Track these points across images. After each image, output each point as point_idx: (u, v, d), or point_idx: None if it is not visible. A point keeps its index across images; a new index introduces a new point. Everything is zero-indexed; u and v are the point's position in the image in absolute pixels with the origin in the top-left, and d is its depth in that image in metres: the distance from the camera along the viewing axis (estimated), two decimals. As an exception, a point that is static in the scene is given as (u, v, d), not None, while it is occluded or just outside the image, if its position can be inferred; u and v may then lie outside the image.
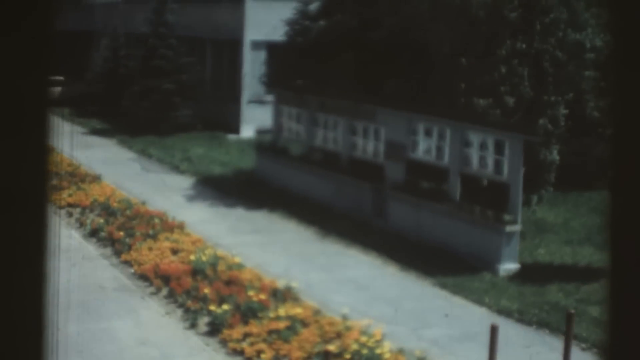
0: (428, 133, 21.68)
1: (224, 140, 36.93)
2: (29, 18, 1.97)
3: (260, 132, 35.10)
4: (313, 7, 27.30)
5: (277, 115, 28.23)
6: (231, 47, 39.75)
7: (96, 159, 33.57)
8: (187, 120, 38.28)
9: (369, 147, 24.00)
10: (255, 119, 37.35)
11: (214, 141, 36.52)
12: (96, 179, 29.42)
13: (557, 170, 21.77)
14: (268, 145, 28.68)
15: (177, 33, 39.19)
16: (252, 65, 38.21)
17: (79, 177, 29.70)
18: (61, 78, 52.49)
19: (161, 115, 37.80)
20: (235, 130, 38.43)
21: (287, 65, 27.42)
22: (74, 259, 19.69)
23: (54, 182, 28.58)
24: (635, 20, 1.97)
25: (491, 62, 21.08)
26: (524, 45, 21.27)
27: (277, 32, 35.13)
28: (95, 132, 40.44)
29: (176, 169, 31.42)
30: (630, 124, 2.05)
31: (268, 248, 21.42)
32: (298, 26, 27.43)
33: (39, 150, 2.05)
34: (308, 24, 26.97)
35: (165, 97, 37.84)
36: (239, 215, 24.93)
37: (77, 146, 36.60)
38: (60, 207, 26.56)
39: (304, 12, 27.40)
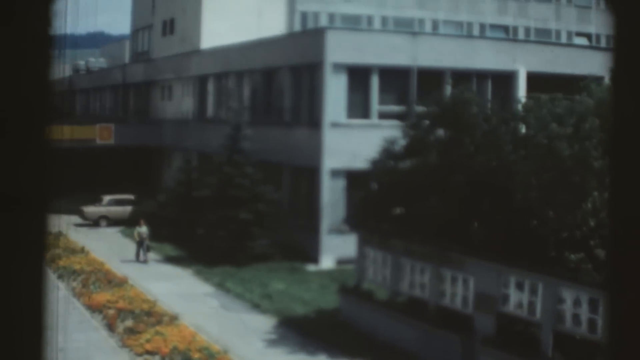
0: (519, 286, 22.78)
1: (304, 273, 38.20)
2: (28, 19, 2.48)
3: (340, 262, 36.55)
4: (397, 146, 28.73)
5: (361, 257, 29.54)
6: (309, 175, 41.39)
7: (172, 293, 35.07)
8: (265, 249, 39.74)
9: (457, 296, 25.14)
10: (335, 249, 38.88)
11: (294, 274, 37.80)
12: (174, 319, 30.74)
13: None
14: (352, 288, 29.93)
15: (252, 158, 40.97)
16: (332, 194, 39.77)
17: (156, 318, 30.90)
18: (132, 197, 54.74)
19: (238, 245, 39.33)
20: (314, 259, 39.79)
21: (371, 205, 28.78)
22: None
23: (130, 323, 29.97)
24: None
25: (580, 215, 22.23)
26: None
27: (356, 160, 36.83)
28: (169, 259, 42.13)
29: (256, 307, 32.65)
30: (628, 131, 2.50)
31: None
32: (382, 166, 28.85)
33: (41, 155, 2.45)
34: (392, 163, 28.37)
35: (242, 226, 39.43)
36: (323, 366, 26.05)
37: (152, 277, 38.38)
38: (138, 354, 27.65)
39: (388, 152, 28.84)
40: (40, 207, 2.54)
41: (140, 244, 42.48)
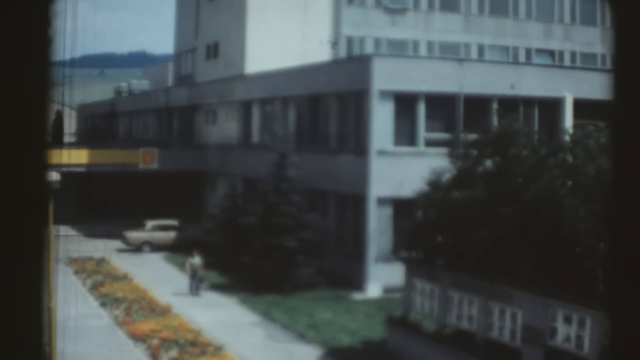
0: (567, 320, 23.24)
1: (350, 302, 38.76)
2: (28, 19, 2.51)
3: (387, 290, 37.05)
4: (445, 177, 29.27)
5: (409, 288, 30.10)
6: (355, 202, 42.01)
7: (217, 322, 35.70)
8: (311, 278, 40.36)
9: (505, 329, 25.62)
10: (381, 277, 39.46)
11: (340, 303, 38.36)
12: (219, 349, 31.26)
13: None
14: (399, 318, 30.48)
15: (298, 186, 41.68)
16: (378, 222, 40.35)
17: (201, 348, 31.47)
18: (175, 223, 55.48)
19: (284, 273, 39.98)
20: (361, 288, 40.35)
21: (419, 236, 29.32)
22: None
23: (175, 353, 30.54)
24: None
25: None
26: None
27: (403, 188, 37.40)
28: (214, 287, 42.70)
29: (302, 337, 33.22)
30: (630, 129, 2.59)
31: None
32: (430, 197, 29.39)
33: (41, 154, 2.56)
34: (440, 195, 28.92)
35: (288, 254, 40.09)
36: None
37: (196, 305, 38.98)
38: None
39: (436, 184, 29.38)
40: (40, 208, 2.60)
41: (193, 276, 41.78)
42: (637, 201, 2.56)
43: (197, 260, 41.81)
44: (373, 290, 40.02)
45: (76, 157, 63.41)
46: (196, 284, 41.56)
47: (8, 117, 2.54)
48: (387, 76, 41.37)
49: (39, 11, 2.57)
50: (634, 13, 2.58)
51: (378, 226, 40.48)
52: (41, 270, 2.60)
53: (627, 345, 2.60)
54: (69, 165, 61.43)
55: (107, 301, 39.77)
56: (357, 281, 40.79)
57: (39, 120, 2.60)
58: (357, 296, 39.74)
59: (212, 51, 65.79)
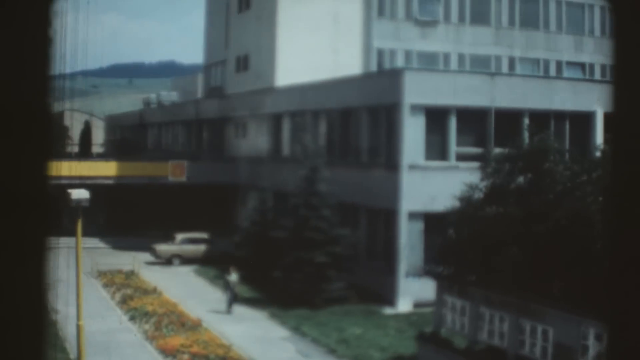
0: (599, 338, 23.54)
1: (381, 316, 39.12)
2: (28, 19, 2.56)
3: (417, 305, 37.35)
4: (477, 194, 29.61)
5: (440, 304, 30.45)
6: (386, 217, 42.39)
7: (248, 337, 36.10)
8: (341, 292, 40.75)
9: (536, 346, 25.93)
10: (412, 292, 39.82)
11: (371, 318, 38.72)
12: (249, 366, 31.74)
13: None
14: (430, 335, 30.83)
15: (329, 200, 42.09)
16: (409, 236, 40.72)
17: (231, 364, 31.94)
18: (205, 236, 55.89)
19: (314, 288, 40.40)
20: (391, 302, 40.71)
21: (450, 253, 29.67)
22: None
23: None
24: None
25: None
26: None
27: (434, 203, 37.76)
28: (244, 301, 42.99)
29: (333, 352, 33.60)
30: (629, 131, 2.64)
31: None
32: (462, 214, 29.73)
33: (41, 154, 2.54)
34: (472, 212, 29.25)
35: (318, 269, 40.51)
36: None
37: (226, 319, 39.35)
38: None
39: (468, 200, 29.70)
40: (40, 208, 2.62)
41: (229, 293, 41.69)
42: (637, 204, 2.60)
43: (233, 277, 41.93)
44: (404, 305, 40.38)
45: (105, 169, 64.11)
46: (231, 301, 41.48)
47: (8, 117, 2.57)
48: (418, 90, 41.77)
49: (39, 11, 2.60)
50: (635, 13, 2.61)
51: (409, 241, 40.84)
52: (42, 271, 2.62)
53: (627, 349, 2.65)
54: (97, 178, 62.16)
55: (136, 315, 39.99)
56: (387, 296, 41.16)
57: (39, 120, 2.61)
58: (388, 311, 40.12)
59: (242, 63, 66.30)
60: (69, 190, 26.68)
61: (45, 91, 2.59)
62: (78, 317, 28.57)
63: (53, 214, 2.63)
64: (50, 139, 2.63)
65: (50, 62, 2.62)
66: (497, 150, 34.10)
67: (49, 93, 2.60)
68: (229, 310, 41.18)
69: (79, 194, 26.31)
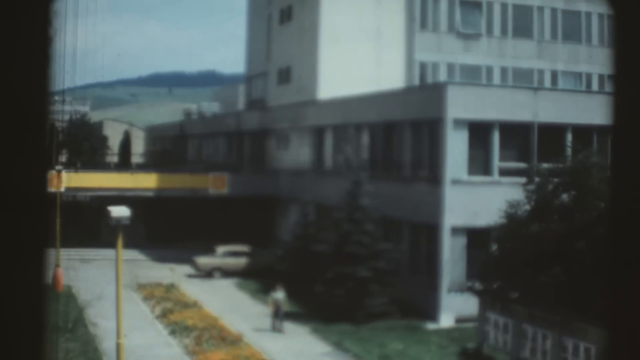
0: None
1: (423, 332, 39.41)
2: (28, 19, 2.59)
3: (459, 320, 37.63)
4: (520, 210, 29.95)
5: (482, 321, 30.84)
6: (429, 231, 42.75)
7: (289, 352, 36.40)
8: (383, 307, 41.13)
9: (579, 364, 26.26)
10: (454, 307, 40.14)
11: (413, 333, 39.02)
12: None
13: None
14: (472, 351, 31.22)
15: (371, 214, 42.50)
16: (452, 251, 41.06)
17: (272, 381, 32.27)
18: (246, 248, 56.23)
19: (356, 303, 40.79)
20: (433, 317, 41.05)
21: (493, 270, 30.05)
22: None
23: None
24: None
25: None
26: None
27: (477, 218, 38.13)
28: (286, 315, 42.79)
29: (375, 368, 33.97)
30: (629, 132, 2.60)
31: None
32: (505, 230, 30.08)
33: (40, 155, 2.58)
34: (515, 228, 29.62)
35: (361, 284, 40.91)
36: None
37: (267, 333, 39.56)
38: None
39: (512, 217, 30.03)
40: (40, 208, 2.63)
41: (276, 311, 40.74)
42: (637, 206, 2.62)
43: (280, 295, 41.13)
44: (446, 320, 40.71)
45: (145, 181, 64.81)
46: (279, 319, 40.67)
47: (8, 117, 2.59)
48: (461, 105, 42.14)
49: (39, 11, 2.62)
50: (635, 13, 2.62)
51: (451, 256, 41.17)
52: (41, 274, 2.65)
53: (625, 352, 2.66)
54: (137, 190, 62.90)
55: (176, 329, 39.95)
56: (429, 311, 41.55)
57: (39, 119, 2.63)
58: (430, 326, 40.45)
59: (284, 75, 66.87)
60: (109, 208, 26.11)
61: (45, 92, 2.62)
62: (118, 335, 28.53)
63: (51, 217, 2.75)
64: (49, 140, 2.64)
65: (51, 62, 2.66)
66: (541, 165, 34.38)
67: (48, 94, 2.64)
68: (278, 329, 40.43)
69: (120, 211, 25.34)
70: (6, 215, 2.56)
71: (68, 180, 60.33)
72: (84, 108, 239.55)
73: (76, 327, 39.09)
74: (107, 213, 25.76)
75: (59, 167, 57.23)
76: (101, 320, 39.90)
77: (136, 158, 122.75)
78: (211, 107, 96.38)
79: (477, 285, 33.29)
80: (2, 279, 2.58)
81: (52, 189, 56.16)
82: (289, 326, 41.24)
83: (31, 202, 2.57)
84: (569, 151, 34.85)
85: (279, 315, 40.81)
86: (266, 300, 43.39)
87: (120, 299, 27.57)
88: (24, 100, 2.57)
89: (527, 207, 29.94)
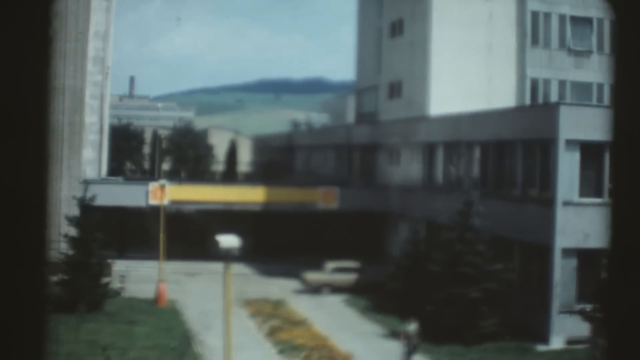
0: None
1: (534, 354, 40.54)
2: (28, 19, 2.70)
3: (570, 342, 38.46)
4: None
5: (593, 347, 31.94)
6: (540, 252, 43.74)
7: (397, 373, 37.33)
8: (494, 329, 42.26)
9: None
10: (565, 329, 41.08)
11: (524, 355, 40.16)
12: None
13: None
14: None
15: (483, 235, 43.77)
16: (563, 273, 42.03)
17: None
18: (356, 265, 57.15)
19: (467, 324, 42.05)
20: (544, 339, 42.05)
21: (605, 294, 31.13)
22: None
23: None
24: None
25: None
26: None
27: (588, 240, 39.11)
28: (396, 335, 43.38)
29: (484, 393, 35.05)
30: (629, 132, 2.79)
31: None
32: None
33: (40, 154, 2.69)
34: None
35: (472, 305, 42.21)
36: None
37: (378, 354, 40.60)
38: None
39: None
40: (40, 208, 2.66)
41: (407, 345, 39.43)
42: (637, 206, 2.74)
43: (412, 327, 39.84)
44: (556, 342, 41.59)
45: (252, 195, 66.23)
46: (410, 352, 39.36)
47: (7, 117, 2.62)
48: (573, 125, 42.97)
49: (40, 11, 2.66)
50: (635, 13, 2.68)
51: (562, 277, 42.06)
52: (42, 272, 2.70)
53: (625, 348, 2.79)
54: (244, 203, 64.45)
55: (285, 348, 39.97)
56: (540, 332, 42.52)
57: (39, 119, 2.65)
58: (540, 348, 41.41)
59: (395, 90, 67.89)
60: (218, 238, 25.24)
61: (45, 91, 2.65)
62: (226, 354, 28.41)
63: (52, 216, 2.71)
64: (50, 139, 2.70)
65: (51, 62, 2.68)
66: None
67: (49, 93, 2.66)
68: None
69: (229, 242, 24.51)
70: (6, 215, 2.62)
71: (172, 192, 62.09)
72: (188, 114, 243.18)
73: (182, 345, 39.65)
74: (216, 243, 25.32)
75: (162, 181, 58.81)
76: (208, 338, 40.75)
77: (242, 167, 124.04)
78: (320, 118, 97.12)
79: (589, 309, 34.24)
80: (2, 279, 2.65)
81: (155, 202, 58.26)
82: (397, 346, 40.89)
83: (31, 202, 2.63)
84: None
85: (410, 349, 39.52)
86: (376, 319, 43.75)
87: (230, 323, 27.41)
88: (25, 100, 2.63)
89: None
